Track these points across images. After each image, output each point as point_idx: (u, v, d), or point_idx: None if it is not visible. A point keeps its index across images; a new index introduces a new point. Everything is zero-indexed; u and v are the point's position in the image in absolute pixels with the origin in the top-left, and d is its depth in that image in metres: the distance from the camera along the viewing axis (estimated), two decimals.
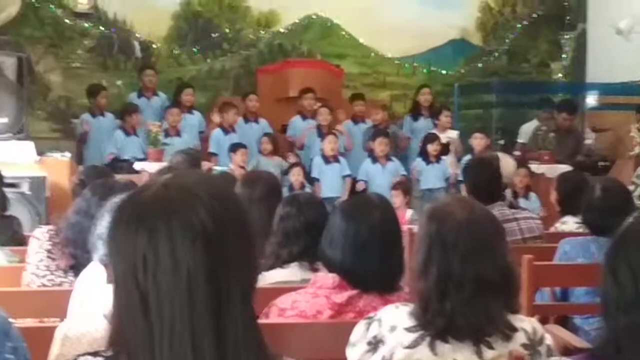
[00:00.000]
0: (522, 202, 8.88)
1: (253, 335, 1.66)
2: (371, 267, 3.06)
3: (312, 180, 10.10)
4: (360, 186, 10.05)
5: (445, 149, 10.52)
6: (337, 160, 10.14)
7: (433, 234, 2.63)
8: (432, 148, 10.20)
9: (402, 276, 3.16)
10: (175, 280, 1.56)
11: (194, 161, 6.58)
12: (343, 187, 10.09)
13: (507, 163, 7.13)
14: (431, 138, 10.34)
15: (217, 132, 10.62)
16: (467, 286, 2.54)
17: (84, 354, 1.68)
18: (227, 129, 10.59)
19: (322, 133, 10.60)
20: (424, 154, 10.29)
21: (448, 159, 10.35)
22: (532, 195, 9.28)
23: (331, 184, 10.02)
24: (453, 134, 10.94)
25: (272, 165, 9.90)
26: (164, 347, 1.56)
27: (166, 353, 1.55)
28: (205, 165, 8.48)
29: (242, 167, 9.40)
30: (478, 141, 10.28)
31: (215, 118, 10.79)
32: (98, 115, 10.87)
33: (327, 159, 10.09)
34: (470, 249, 2.57)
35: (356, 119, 11.26)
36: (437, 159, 10.24)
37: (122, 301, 1.61)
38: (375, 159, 10.13)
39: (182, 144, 9.89)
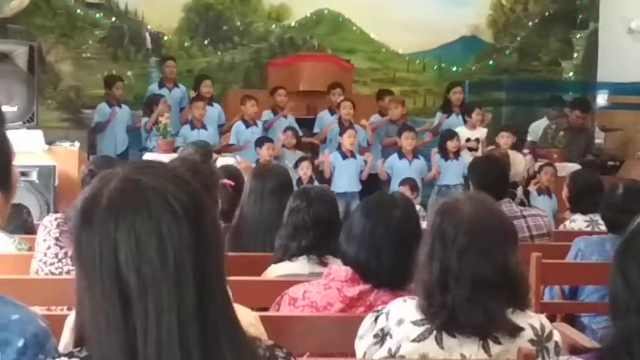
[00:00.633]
0: (545, 199, 8.84)
1: (233, 320, 1.64)
2: (385, 265, 3.06)
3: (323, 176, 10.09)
4: (382, 175, 9.98)
5: (476, 145, 10.46)
6: (353, 156, 10.06)
7: (436, 227, 2.64)
8: (451, 145, 10.11)
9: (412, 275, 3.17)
10: (163, 270, 1.53)
11: (206, 153, 6.58)
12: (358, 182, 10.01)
13: (518, 161, 7.10)
14: (450, 135, 10.26)
15: (238, 125, 10.59)
16: (465, 283, 2.54)
17: (59, 356, 1.65)
18: (249, 122, 10.58)
19: (343, 127, 10.54)
20: (443, 150, 10.22)
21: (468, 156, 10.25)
22: (553, 194, 9.24)
23: (348, 179, 9.95)
24: (483, 132, 10.86)
25: (294, 158, 9.86)
26: (150, 343, 1.52)
27: (152, 349, 1.52)
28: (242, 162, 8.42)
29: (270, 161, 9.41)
30: (505, 139, 10.19)
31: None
32: (115, 105, 10.87)
33: (344, 154, 10.03)
34: (467, 246, 2.56)
35: (383, 114, 11.15)
36: (456, 155, 10.17)
37: (96, 303, 1.55)
38: (402, 154, 10.06)
39: (208, 136, 10.00)
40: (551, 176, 9.24)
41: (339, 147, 10.08)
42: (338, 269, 3.16)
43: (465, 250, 2.56)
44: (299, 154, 10.14)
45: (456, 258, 2.56)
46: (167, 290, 1.53)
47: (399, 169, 9.91)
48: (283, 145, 10.17)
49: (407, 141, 9.95)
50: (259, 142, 9.90)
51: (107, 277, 1.53)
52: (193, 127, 10.31)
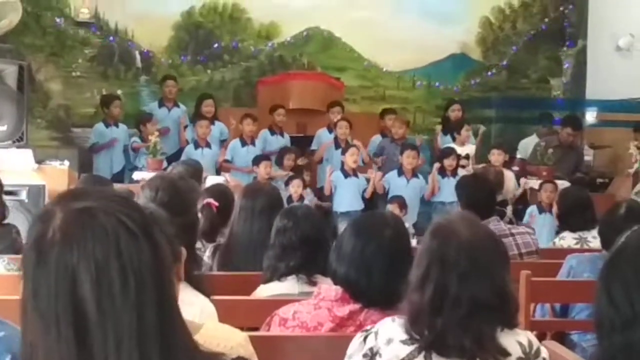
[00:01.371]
0: (546, 217, 8.82)
1: (190, 339, 1.63)
2: (376, 284, 3.06)
3: (322, 194, 10.13)
4: (379, 188, 9.98)
5: (465, 161, 10.49)
6: (355, 174, 10.08)
7: (434, 250, 2.63)
8: (447, 163, 10.16)
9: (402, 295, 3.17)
10: (123, 293, 1.50)
11: (195, 172, 6.57)
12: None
13: (508, 178, 7.11)
14: (447, 152, 10.31)
15: (234, 142, 10.65)
16: (462, 306, 2.54)
17: None
18: (245, 141, 10.60)
19: (339, 146, 10.56)
20: (440, 168, 10.24)
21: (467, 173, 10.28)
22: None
23: (350, 198, 9.95)
24: (472, 148, 10.90)
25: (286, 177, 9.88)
26: None
27: None
28: (232, 181, 8.42)
29: (269, 179, 9.42)
30: (496, 157, 10.25)
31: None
32: (112, 125, 10.86)
33: (346, 173, 10.04)
34: (469, 270, 2.57)
35: (385, 133, 11.22)
36: (454, 173, 10.19)
37: (51, 344, 1.50)
38: (401, 172, 10.08)
39: (212, 155, 10.20)
40: (551, 193, 9.14)
41: (342, 166, 10.10)
42: (328, 288, 3.16)
43: (467, 273, 2.56)
44: (290, 172, 10.16)
45: (457, 281, 2.56)
46: (128, 314, 1.50)
47: (396, 186, 9.94)
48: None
49: (407, 159, 9.98)
50: (256, 161, 9.91)
51: (63, 315, 1.49)
52: (197, 147, 10.37)
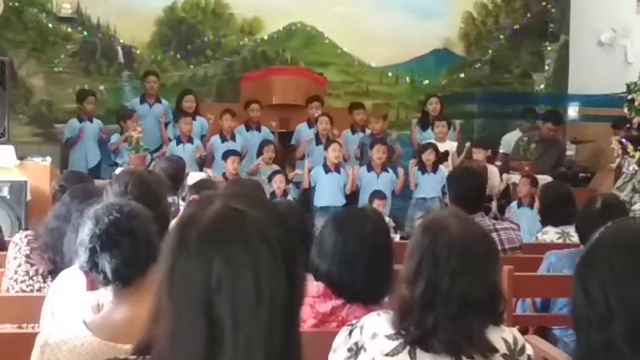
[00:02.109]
0: (526, 211, 8.84)
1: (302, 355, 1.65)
2: (357, 278, 3.06)
3: (305, 189, 10.15)
4: (353, 186, 9.99)
5: (444, 158, 10.49)
6: (337, 170, 10.08)
7: (426, 246, 2.63)
8: (425, 157, 10.17)
9: (390, 288, 3.17)
10: (257, 305, 1.52)
11: (178, 167, 6.57)
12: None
13: (493, 173, 7.11)
14: (425, 147, 10.31)
15: (214, 139, 10.68)
16: (454, 302, 2.55)
17: (114, 359, 1.66)
18: (225, 136, 10.60)
19: (320, 141, 10.58)
20: (420, 163, 10.25)
21: (446, 169, 10.30)
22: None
23: (331, 193, 9.96)
24: (453, 145, 10.91)
25: (269, 172, 9.87)
26: None
27: None
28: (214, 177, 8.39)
29: (236, 175, 9.41)
30: (476, 155, 10.27)
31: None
32: (85, 120, 10.81)
33: (327, 168, 10.04)
34: (461, 266, 2.57)
35: (355, 128, 11.23)
36: (434, 168, 10.20)
37: (180, 328, 1.52)
38: (370, 167, 10.09)
39: (193, 149, 10.25)
40: (531, 187, 9.13)
41: (325, 162, 10.10)
42: (309, 284, 3.15)
43: (459, 269, 2.56)
44: (274, 167, 10.15)
45: (449, 277, 2.56)
46: (259, 327, 1.51)
47: (367, 182, 9.95)
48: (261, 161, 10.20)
49: (377, 154, 9.99)
50: (225, 156, 9.89)
51: (197, 304, 1.51)
52: (179, 142, 10.35)
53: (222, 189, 1.60)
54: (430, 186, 10.13)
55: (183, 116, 10.65)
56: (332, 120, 10.72)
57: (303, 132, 11.06)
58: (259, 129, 11.03)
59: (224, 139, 10.59)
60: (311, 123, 10.99)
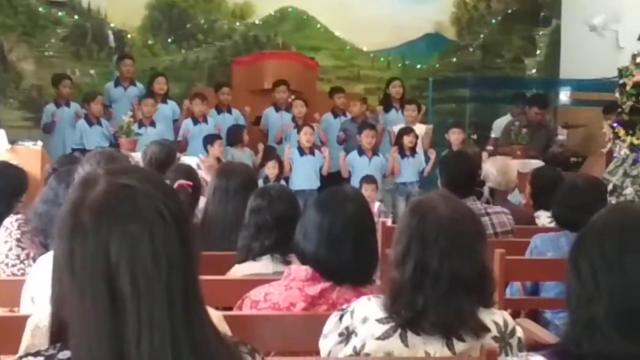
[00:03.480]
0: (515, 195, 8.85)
1: (213, 324, 1.69)
2: (345, 259, 3.06)
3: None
4: (344, 172, 9.99)
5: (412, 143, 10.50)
6: (312, 153, 10.11)
7: (414, 227, 2.64)
8: (407, 140, 10.19)
9: (376, 268, 3.18)
10: (156, 276, 1.56)
11: (169, 152, 6.55)
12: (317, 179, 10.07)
13: (511, 168, 7.08)
14: (406, 131, 10.33)
15: (187, 122, 10.67)
16: (443, 282, 2.55)
17: (25, 355, 1.65)
18: (197, 119, 10.59)
19: (297, 125, 10.60)
20: (399, 147, 10.26)
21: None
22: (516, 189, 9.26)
23: (305, 176, 9.99)
24: (421, 128, 10.91)
25: (244, 157, 9.89)
26: (143, 348, 1.54)
27: (145, 353, 1.54)
28: (205, 161, 8.37)
29: (219, 159, 9.36)
30: (456, 136, 10.30)
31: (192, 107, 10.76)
32: (63, 105, 10.76)
33: (302, 151, 10.07)
34: (449, 246, 2.58)
35: (336, 112, 11.24)
36: (412, 152, 10.24)
37: (86, 308, 1.56)
38: (361, 151, 10.10)
39: (157, 134, 9.88)
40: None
41: (298, 145, 10.12)
42: (298, 268, 3.14)
43: (448, 249, 2.57)
44: (248, 151, 10.17)
45: (438, 257, 2.57)
46: (159, 294, 1.56)
47: (359, 166, 9.96)
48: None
49: (367, 139, 10.01)
50: (210, 140, 9.86)
51: (98, 282, 1.55)
52: (140, 125, 10.26)
53: (106, 167, 1.62)
54: (410, 171, 10.18)
55: (149, 98, 10.59)
56: (306, 103, 10.77)
57: (270, 116, 11.10)
58: (229, 112, 11.04)
59: (196, 122, 10.58)
60: (277, 106, 11.01)
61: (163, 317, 1.56)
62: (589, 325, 1.86)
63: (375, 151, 10.14)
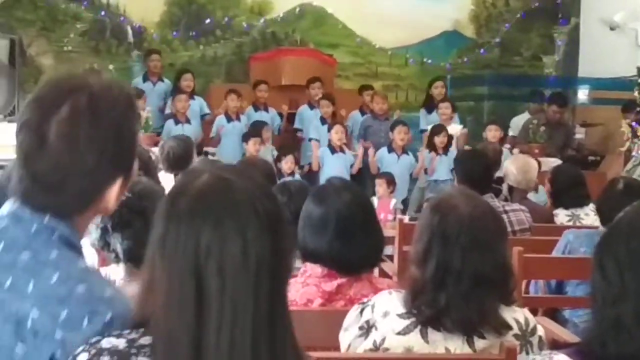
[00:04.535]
0: (532, 195, 8.81)
1: (294, 333, 1.68)
2: (359, 247, 3.06)
3: (309, 169, 10.19)
4: (373, 169, 9.99)
5: (449, 141, 10.47)
6: (342, 151, 10.10)
7: (435, 225, 2.64)
8: (438, 140, 10.15)
9: (383, 251, 3.22)
10: (244, 271, 1.57)
11: (187, 147, 6.57)
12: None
13: (533, 167, 7.05)
14: (437, 130, 10.28)
15: (219, 119, 10.66)
16: (465, 280, 2.55)
17: (108, 335, 1.66)
18: (231, 116, 10.58)
19: (325, 122, 10.55)
20: (431, 146, 10.23)
21: (451, 152, 10.26)
22: (541, 188, 9.19)
23: (337, 174, 9.92)
24: (456, 127, 10.87)
25: (265, 152, 9.88)
26: (222, 341, 1.54)
27: (225, 346, 1.54)
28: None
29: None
30: (493, 133, 10.17)
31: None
32: None
33: (333, 149, 10.06)
34: (471, 244, 2.58)
35: (364, 110, 11.20)
36: (445, 150, 10.19)
37: (173, 292, 1.57)
38: (391, 148, 10.10)
39: (192, 130, 10.01)
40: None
41: (329, 143, 10.11)
42: (313, 265, 3.14)
43: (469, 247, 2.57)
44: (269, 147, 10.17)
45: (460, 255, 2.57)
46: (246, 291, 1.57)
47: (387, 163, 9.95)
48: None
49: (399, 136, 9.99)
50: (245, 137, 9.89)
51: (186, 270, 1.56)
52: (177, 122, 10.33)
53: (213, 163, 1.67)
54: (442, 168, 10.12)
55: (178, 94, 10.60)
56: (333, 102, 10.73)
57: (305, 114, 11.09)
58: (266, 110, 11.02)
59: (229, 119, 10.57)
60: (312, 104, 10.99)
61: (247, 315, 1.56)
62: (615, 325, 1.84)
63: (404, 149, 10.12)
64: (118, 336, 1.65)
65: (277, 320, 1.61)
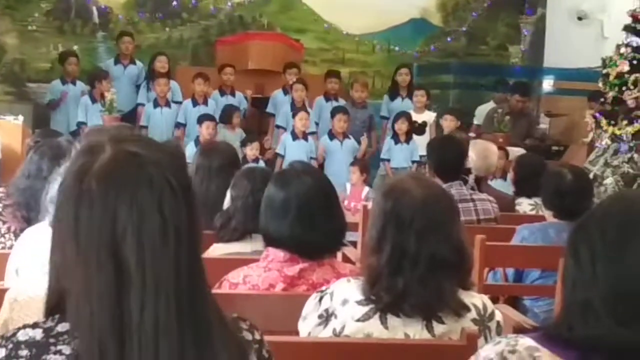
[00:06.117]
0: (499, 183, 8.84)
1: (215, 301, 1.67)
2: (321, 231, 3.04)
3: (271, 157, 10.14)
4: (320, 157, 10.03)
5: (421, 129, 10.46)
6: (305, 138, 10.06)
7: (388, 211, 2.63)
8: (397, 127, 10.15)
9: (345, 234, 3.21)
10: (163, 247, 1.53)
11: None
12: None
13: (491, 152, 7.06)
14: (398, 115, 10.28)
15: (186, 103, 10.56)
16: (422, 264, 2.55)
17: (23, 327, 1.61)
18: (197, 100, 10.51)
19: (295, 108, 10.46)
20: (393, 132, 10.24)
21: (424, 140, 10.25)
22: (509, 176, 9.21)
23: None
24: (430, 115, 10.87)
25: (234, 137, 9.81)
26: (147, 320, 1.52)
27: (149, 325, 1.52)
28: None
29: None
30: (448, 122, 10.18)
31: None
32: (68, 82, 10.70)
33: (295, 135, 10.03)
34: (426, 227, 2.57)
35: (328, 96, 11.10)
36: (407, 139, 10.18)
37: (90, 277, 1.52)
38: (332, 135, 10.09)
39: (172, 114, 10.08)
40: (499, 159, 9.06)
41: (293, 129, 10.08)
42: (276, 250, 3.12)
43: (424, 230, 2.57)
44: (238, 131, 10.11)
45: (415, 239, 2.56)
46: (167, 267, 1.53)
47: (331, 150, 9.96)
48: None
49: (339, 123, 10.00)
50: (199, 120, 9.82)
51: (104, 250, 1.52)
52: (156, 105, 10.23)
53: (112, 135, 1.58)
54: (403, 157, 10.13)
55: (158, 77, 10.52)
56: (307, 87, 10.65)
57: (278, 98, 10.99)
58: (233, 94, 10.95)
59: (195, 103, 10.50)
60: (286, 89, 10.91)
61: (169, 291, 1.53)
62: (583, 310, 1.86)
63: (345, 135, 10.13)
64: (34, 326, 1.61)
65: (198, 291, 1.59)
